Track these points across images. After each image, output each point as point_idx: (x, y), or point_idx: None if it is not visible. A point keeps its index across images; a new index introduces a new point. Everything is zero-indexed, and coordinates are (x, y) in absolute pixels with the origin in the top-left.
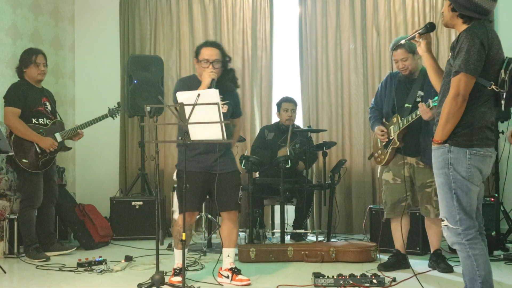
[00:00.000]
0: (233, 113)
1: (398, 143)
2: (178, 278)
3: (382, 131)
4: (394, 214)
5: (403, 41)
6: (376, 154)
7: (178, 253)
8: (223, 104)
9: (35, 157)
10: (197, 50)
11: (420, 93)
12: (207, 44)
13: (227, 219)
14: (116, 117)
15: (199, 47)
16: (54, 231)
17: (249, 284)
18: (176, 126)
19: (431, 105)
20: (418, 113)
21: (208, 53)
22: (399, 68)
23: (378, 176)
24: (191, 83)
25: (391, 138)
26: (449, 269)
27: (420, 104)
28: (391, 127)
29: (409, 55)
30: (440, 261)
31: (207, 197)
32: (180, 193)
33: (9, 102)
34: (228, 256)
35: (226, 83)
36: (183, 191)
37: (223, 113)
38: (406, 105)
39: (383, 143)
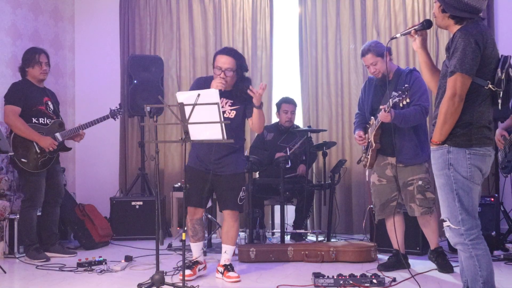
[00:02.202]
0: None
1: (374, 144)
2: (188, 271)
3: (360, 136)
4: (385, 215)
5: (398, 35)
6: (362, 158)
7: (192, 246)
8: (232, 109)
9: (34, 157)
10: (214, 56)
11: (394, 93)
12: (223, 51)
13: (227, 215)
14: (117, 118)
15: (216, 54)
16: (57, 231)
17: (237, 281)
18: (176, 126)
19: (387, 109)
20: (379, 120)
21: (222, 61)
22: (372, 73)
23: (367, 179)
24: (206, 83)
25: (369, 140)
26: (449, 270)
27: (381, 113)
28: (369, 130)
29: (377, 59)
30: (441, 259)
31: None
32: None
33: (10, 100)
34: (225, 253)
35: (238, 91)
36: (183, 191)
37: (230, 118)
38: (381, 106)
39: (364, 147)
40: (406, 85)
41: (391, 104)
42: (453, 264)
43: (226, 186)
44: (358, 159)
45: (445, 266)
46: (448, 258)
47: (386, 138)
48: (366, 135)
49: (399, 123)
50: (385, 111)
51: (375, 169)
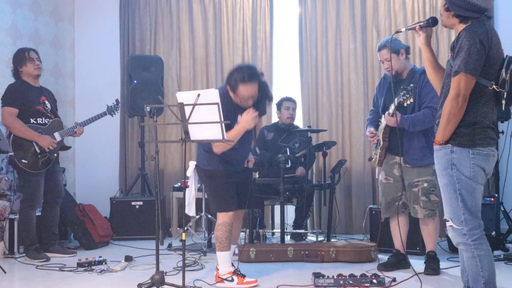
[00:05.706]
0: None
1: (382, 142)
2: (249, 278)
3: (372, 133)
4: (389, 214)
5: (403, 29)
6: (372, 155)
7: (227, 254)
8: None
9: (34, 157)
10: (235, 85)
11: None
12: (245, 79)
13: (238, 215)
14: (115, 114)
15: (237, 83)
16: (57, 232)
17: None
18: (176, 126)
19: (390, 112)
20: (384, 122)
21: (251, 91)
22: (386, 68)
23: (376, 177)
24: (229, 103)
25: (378, 138)
26: (433, 272)
27: (386, 114)
28: (379, 128)
29: (392, 55)
30: (430, 262)
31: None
32: (219, 192)
33: (6, 102)
34: None
35: (262, 100)
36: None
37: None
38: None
39: (375, 144)
40: (411, 85)
41: (395, 105)
42: (454, 264)
43: (246, 185)
44: (369, 157)
45: (431, 271)
46: (439, 262)
47: (395, 137)
48: (377, 132)
49: (407, 127)
50: (389, 114)
51: (383, 167)
